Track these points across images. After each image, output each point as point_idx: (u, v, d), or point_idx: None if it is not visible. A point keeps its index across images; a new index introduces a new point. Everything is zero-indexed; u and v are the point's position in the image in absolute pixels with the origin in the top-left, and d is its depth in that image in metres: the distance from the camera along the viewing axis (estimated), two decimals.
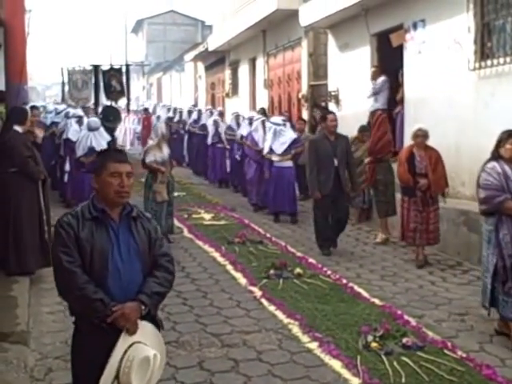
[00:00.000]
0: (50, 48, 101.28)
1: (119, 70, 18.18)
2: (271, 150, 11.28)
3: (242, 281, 7.52)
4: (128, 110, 20.54)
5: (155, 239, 3.43)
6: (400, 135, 11.50)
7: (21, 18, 10.11)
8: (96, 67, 18.35)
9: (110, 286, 3.22)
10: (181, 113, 21.57)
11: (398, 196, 8.80)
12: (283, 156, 11.19)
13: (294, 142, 11.34)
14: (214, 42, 22.59)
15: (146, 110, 25.83)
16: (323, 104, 14.07)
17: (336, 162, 8.75)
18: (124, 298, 3.22)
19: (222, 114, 16.98)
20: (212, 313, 6.45)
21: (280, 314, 6.32)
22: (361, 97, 12.31)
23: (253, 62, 20.24)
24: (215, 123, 15.82)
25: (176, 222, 10.24)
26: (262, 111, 15.38)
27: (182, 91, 33.87)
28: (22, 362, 5.08)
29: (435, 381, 4.82)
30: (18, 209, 7.26)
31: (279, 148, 11.20)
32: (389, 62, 11.98)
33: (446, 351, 5.32)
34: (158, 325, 3.43)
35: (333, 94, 14.04)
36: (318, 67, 15.28)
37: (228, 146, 15.07)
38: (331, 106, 13.71)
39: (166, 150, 9.37)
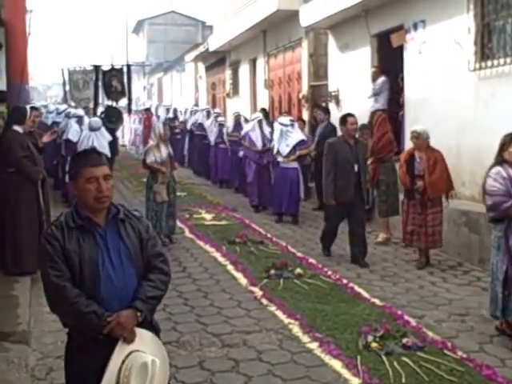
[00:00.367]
0: (51, 48, 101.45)
1: (120, 70, 18.18)
2: (277, 151, 11.26)
3: (243, 281, 7.54)
4: (129, 111, 20.52)
5: (147, 239, 3.27)
6: (403, 137, 11.50)
7: (22, 18, 10.10)
8: (97, 67, 18.35)
9: (104, 295, 3.09)
10: (181, 113, 21.55)
11: (402, 197, 8.79)
12: (288, 157, 11.15)
13: (299, 144, 11.24)
14: (214, 43, 22.60)
15: (147, 109, 25.85)
16: (323, 104, 14.07)
17: (356, 168, 8.29)
18: (120, 306, 3.10)
19: (219, 115, 16.87)
20: (212, 313, 6.46)
21: (280, 314, 6.33)
22: (361, 97, 12.31)
23: (253, 63, 20.24)
24: (220, 125, 15.79)
25: (177, 222, 10.24)
26: (263, 112, 15.38)
27: (182, 91, 33.89)
28: (24, 361, 5.10)
29: (435, 381, 4.83)
30: (16, 209, 7.27)
31: (284, 149, 11.16)
32: (389, 62, 11.99)
33: (446, 351, 5.33)
34: (156, 329, 3.33)
35: (333, 94, 14.05)
36: (319, 67, 15.28)
37: (229, 147, 15.06)
38: (331, 107, 13.71)
39: (164, 151, 9.29)
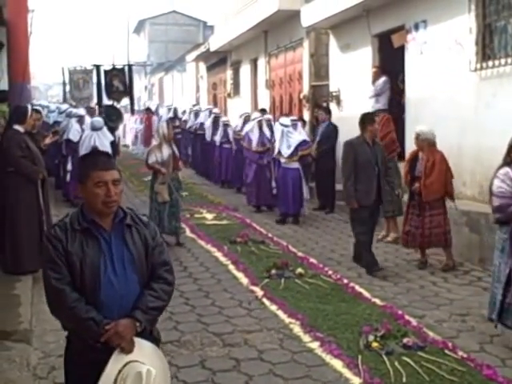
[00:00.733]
0: (53, 48, 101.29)
1: (122, 70, 18.19)
2: (279, 152, 11.24)
3: (244, 280, 7.55)
4: (132, 110, 20.52)
5: (153, 246, 3.18)
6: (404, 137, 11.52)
7: (24, 17, 10.11)
8: (97, 67, 18.36)
9: (104, 301, 3.02)
10: (184, 112, 21.50)
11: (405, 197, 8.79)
12: (290, 158, 11.13)
13: (301, 144, 11.23)
14: (215, 43, 22.60)
15: (147, 109, 25.86)
16: (324, 104, 14.07)
17: (377, 170, 8.01)
18: (119, 314, 3.03)
19: (219, 116, 16.80)
20: (214, 312, 6.47)
21: (281, 314, 6.35)
22: (362, 97, 12.31)
23: (254, 63, 20.24)
24: (225, 125, 15.76)
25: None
26: (263, 112, 15.38)
27: (183, 91, 33.90)
28: (25, 360, 5.11)
29: (436, 381, 4.84)
30: (16, 208, 7.28)
31: (286, 151, 11.14)
32: (390, 62, 12.00)
33: (446, 351, 5.34)
34: (157, 339, 3.26)
35: (334, 94, 14.05)
36: (320, 68, 15.28)
37: (235, 147, 15.07)
38: (332, 107, 13.71)
39: (166, 151, 9.25)
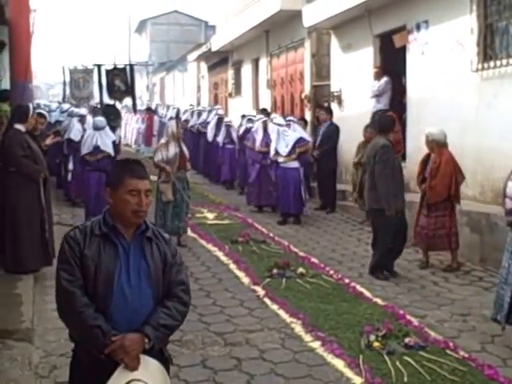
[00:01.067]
0: (55, 47, 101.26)
1: (123, 70, 18.18)
2: (276, 152, 11.21)
3: (245, 280, 7.56)
4: (134, 110, 20.50)
5: (171, 264, 3.07)
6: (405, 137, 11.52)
7: (26, 17, 10.14)
8: (99, 66, 18.36)
9: (114, 312, 2.90)
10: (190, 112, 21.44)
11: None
12: (288, 157, 11.10)
13: (298, 141, 11.18)
14: (217, 43, 22.61)
15: (148, 109, 25.87)
16: (326, 104, 14.07)
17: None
18: (128, 328, 2.90)
19: (222, 116, 16.66)
20: (215, 312, 6.48)
21: (283, 313, 6.35)
22: (363, 97, 12.33)
23: (256, 63, 20.25)
24: (227, 125, 15.71)
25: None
26: (264, 112, 15.37)
27: (184, 91, 33.91)
28: (27, 359, 5.11)
29: (437, 380, 4.85)
30: (17, 208, 7.26)
31: (284, 150, 11.12)
32: (391, 63, 12.00)
33: (448, 351, 5.36)
34: (167, 360, 3.09)
35: (335, 94, 14.05)
36: (321, 68, 15.28)
37: (238, 146, 15.05)
38: (334, 107, 13.72)
39: (172, 150, 9.17)
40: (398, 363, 5.10)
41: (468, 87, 9.42)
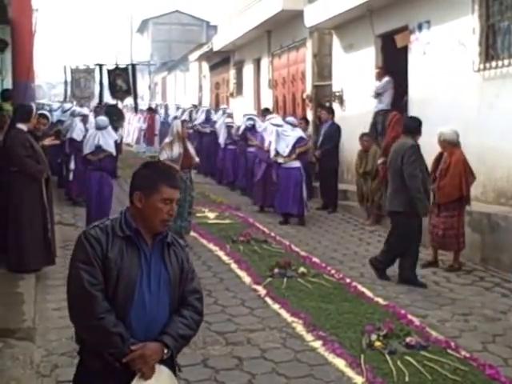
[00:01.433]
0: (57, 47, 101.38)
1: (125, 70, 18.21)
2: (277, 152, 11.17)
3: (247, 279, 7.56)
4: (136, 109, 20.51)
5: (187, 271, 3.00)
6: None
7: (28, 16, 10.15)
8: (100, 66, 18.38)
9: (132, 320, 2.79)
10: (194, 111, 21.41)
11: None
12: (289, 157, 11.07)
13: (298, 141, 11.15)
14: (218, 42, 22.61)
15: (149, 109, 25.89)
16: (327, 104, 14.08)
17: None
18: (145, 336, 2.81)
19: (231, 116, 16.42)
20: (216, 311, 6.48)
21: (284, 313, 6.35)
22: (365, 97, 12.33)
23: (257, 62, 20.25)
24: (228, 126, 15.60)
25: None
26: (267, 111, 15.37)
27: (186, 91, 33.93)
28: (29, 358, 5.12)
29: (438, 380, 4.85)
30: (20, 207, 7.27)
31: (285, 150, 11.08)
32: (393, 63, 12.00)
33: (449, 351, 5.36)
34: (174, 367, 3.01)
35: (337, 94, 14.06)
36: (323, 68, 15.28)
37: (231, 147, 15.00)
38: (335, 107, 13.72)
39: (176, 149, 9.12)
40: (399, 363, 5.10)
41: (470, 87, 9.42)
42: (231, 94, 23.31)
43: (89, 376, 2.84)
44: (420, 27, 10.79)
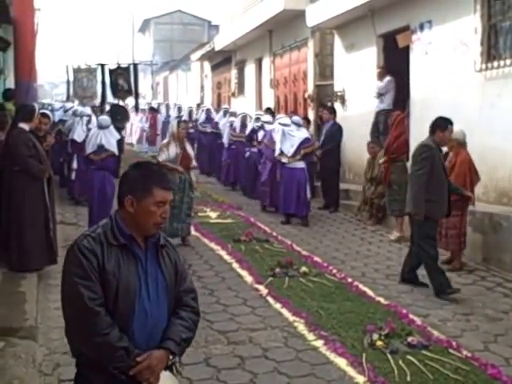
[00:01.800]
0: (59, 47, 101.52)
1: (127, 69, 18.23)
2: (281, 152, 11.09)
3: (248, 279, 7.57)
4: (137, 109, 20.53)
5: (181, 271, 2.92)
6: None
7: (30, 16, 10.18)
8: (102, 66, 18.40)
9: (135, 331, 2.71)
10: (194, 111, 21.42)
11: None
12: (293, 157, 10.97)
13: (303, 142, 11.08)
14: (220, 42, 22.63)
15: (151, 108, 25.90)
16: (329, 104, 14.08)
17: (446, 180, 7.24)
18: (147, 344, 2.74)
19: (233, 115, 16.28)
20: (218, 310, 6.49)
21: (286, 312, 6.36)
22: (366, 97, 12.34)
23: (259, 62, 20.26)
24: (230, 125, 15.46)
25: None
26: (269, 111, 15.38)
27: (188, 90, 33.97)
28: (31, 356, 5.13)
29: (440, 379, 4.85)
30: (21, 207, 7.27)
31: (289, 150, 10.98)
32: (395, 62, 12.00)
33: (450, 350, 5.36)
34: (171, 366, 2.92)
35: (339, 94, 14.07)
36: (324, 67, 15.30)
37: (234, 146, 15.00)
38: (337, 106, 13.73)
39: (173, 150, 9.04)
40: (400, 362, 5.10)
41: (471, 87, 9.43)
42: (233, 94, 23.33)
43: None
44: (422, 27, 10.79)
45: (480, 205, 8.73)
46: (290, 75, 17.42)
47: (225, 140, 15.57)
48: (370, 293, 7.03)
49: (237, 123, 15.02)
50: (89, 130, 12.08)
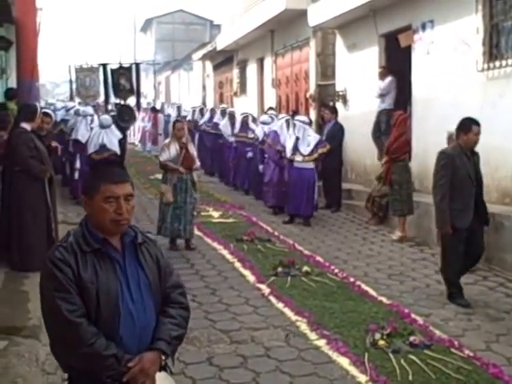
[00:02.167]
0: (60, 46, 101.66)
1: (128, 69, 18.22)
2: (296, 150, 10.90)
3: (251, 278, 7.58)
4: (138, 109, 20.53)
5: (164, 267, 2.84)
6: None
7: (32, 16, 10.18)
8: (104, 66, 18.40)
9: (123, 336, 2.64)
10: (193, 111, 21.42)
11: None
12: (309, 156, 10.87)
13: (320, 142, 11.05)
14: (222, 42, 22.65)
15: (153, 108, 25.93)
16: (331, 104, 14.09)
17: (475, 186, 6.80)
18: (138, 347, 2.68)
19: (232, 116, 16.22)
20: (221, 309, 6.51)
21: (288, 312, 6.37)
22: (368, 97, 12.35)
23: (261, 62, 20.27)
24: (232, 125, 15.47)
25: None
26: (272, 110, 15.38)
27: (190, 90, 33.98)
28: (34, 355, 5.14)
29: (442, 379, 4.86)
30: (22, 207, 7.27)
31: (305, 149, 10.86)
32: (397, 62, 12.01)
33: (452, 350, 5.36)
34: (165, 366, 2.88)
35: (340, 93, 14.07)
36: (326, 67, 15.29)
37: (235, 145, 15.00)
38: (339, 106, 13.74)
39: (173, 150, 8.91)
40: (402, 361, 5.11)
41: (473, 87, 9.43)
42: (235, 94, 23.35)
43: None
44: (423, 27, 10.80)
45: None
46: (291, 75, 17.43)
47: (231, 139, 15.42)
48: (372, 292, 7.04)
49: (237, 123, 15.00)
50: (91, 129, 12.11)
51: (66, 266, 2.57)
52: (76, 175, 12.36)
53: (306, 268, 7.78)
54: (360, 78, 13.09)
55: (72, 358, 2.62)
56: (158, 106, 27.76)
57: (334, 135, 12.25)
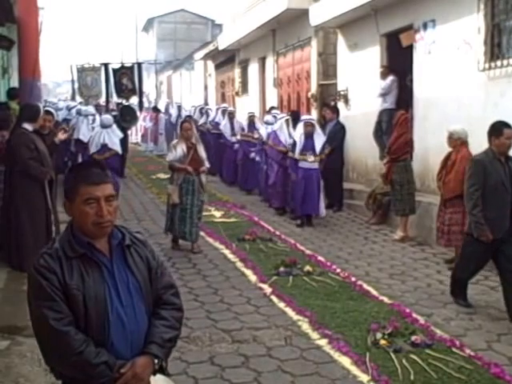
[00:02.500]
0: (62, 46, 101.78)
1: (130, 68, 18.25)
2: (306, 151, 10.73)
3: (252, 278, 7.60)
4: (141, 108, 20.56)
5: (156, 268, 2.78)
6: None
7: (34, 15, 10.15)
8: (106, 65, 18.42)
9: (114, 341, 2.59)
10: (192, 110, 21.40)
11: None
12: (319, 156, 10.81)
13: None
14: (224, 41, 22.63)
15: (154, 108, 25.93)
16: (332, 103, 14.09)
17: (510, 193, 6.41)
18: (131, 352, 2.63)
19: (232, 115, 16.33)
20: (222, 309, 6.52)
21: (290, 311, 6.39)
22: (370, 96, 12.34)
23: (262, 61, 20.27)
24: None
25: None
26: (274, 109, 15.37)
27: (191, 89, 33.97)
28: (36, 355, 5.12)
29: (443, 378, 4.87)
30: (21, 208, 7.24)
31: (317, 148, 10.79)
32: (398, 62, 12.00)
33: (454, 349, 5.38)
34: (163, 368, 2.83)
35: (342, 93, 14.07)
36: (328, 67, 15.29)
37: (237, 146, 14.99)
38: (340, 106, 13.74)
39: (180, 150, 8.74)
40: (404, 361, 5.13)
41: (475, 86, 9.43)
42: (237, 93, 23.34)
43: None
44: (425, 26, 10.79)
45: None
46: (293, 74, 17.42)
47: (233, 139, 15.39)
48: (374, 292, 7.05)
49: (244, 123, 14.98)
50: (93, 129, 12.13)
51: (50, 273, 2.52)
52: None
53: (307, 267, 7.80)
54: (361, 78, 13.09)
55: (62, 367, 2.59)
56: (160, 106, 27.74)
57: (335, 135, 12.25)
